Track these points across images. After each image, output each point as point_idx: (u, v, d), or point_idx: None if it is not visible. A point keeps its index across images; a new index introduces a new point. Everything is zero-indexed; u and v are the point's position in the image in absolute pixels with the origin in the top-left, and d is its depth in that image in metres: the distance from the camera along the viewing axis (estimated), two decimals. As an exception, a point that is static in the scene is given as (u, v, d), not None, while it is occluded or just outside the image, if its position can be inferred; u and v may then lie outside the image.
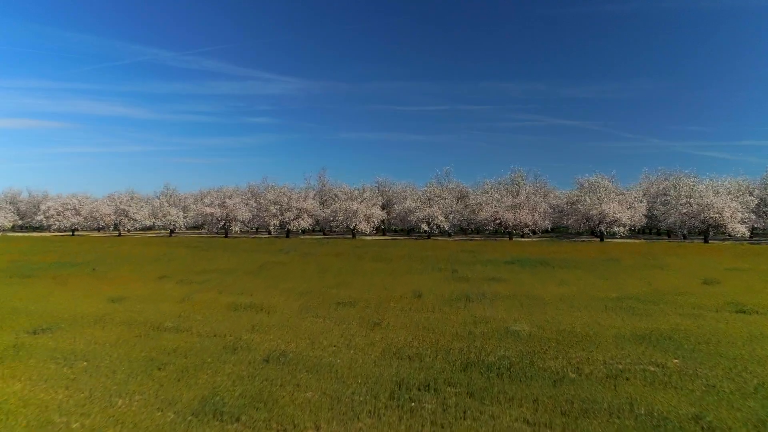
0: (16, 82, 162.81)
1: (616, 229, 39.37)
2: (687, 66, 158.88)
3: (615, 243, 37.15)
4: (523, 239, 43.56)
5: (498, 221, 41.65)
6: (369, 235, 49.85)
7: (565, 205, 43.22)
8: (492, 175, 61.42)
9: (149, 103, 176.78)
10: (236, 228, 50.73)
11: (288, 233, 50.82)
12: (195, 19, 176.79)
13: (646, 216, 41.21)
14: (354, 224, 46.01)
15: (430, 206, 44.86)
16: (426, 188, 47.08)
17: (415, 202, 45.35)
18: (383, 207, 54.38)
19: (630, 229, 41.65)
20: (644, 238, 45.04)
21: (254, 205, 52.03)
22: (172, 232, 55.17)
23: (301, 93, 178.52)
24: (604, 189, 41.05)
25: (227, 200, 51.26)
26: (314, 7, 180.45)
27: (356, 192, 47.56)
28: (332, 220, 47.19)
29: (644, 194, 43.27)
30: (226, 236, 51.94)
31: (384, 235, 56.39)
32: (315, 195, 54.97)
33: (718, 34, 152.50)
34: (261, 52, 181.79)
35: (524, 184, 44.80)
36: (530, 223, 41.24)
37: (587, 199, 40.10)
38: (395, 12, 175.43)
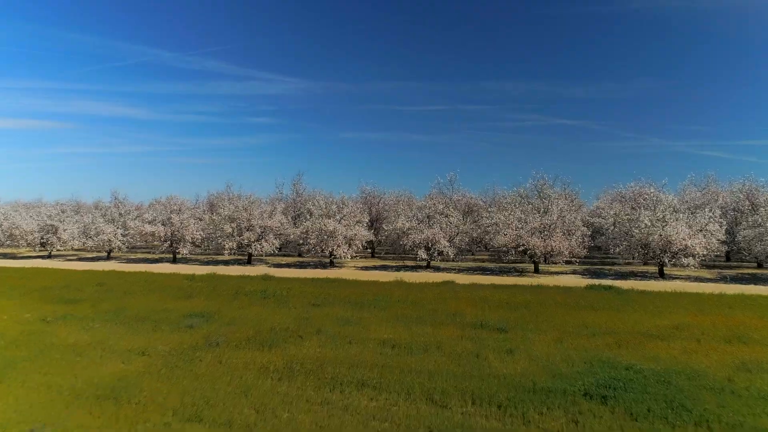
0: (16, 83, 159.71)
1: (684, 260, 28.44)
2: (687, 65, 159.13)
3: (696, 288, 26.26)
4: (554, 272, 32.69)
5: (522, 248, 30.76)
6: (351, 260, 38.99)
7: (611, 227, 32.18)
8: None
9: (150, 104, 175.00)
10: (185, 251, 39.96)
11: (250, 258, 40.02)
12: (196, 20, 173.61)
13: (725, 242, 30.39)
14: (331, 248, 35.24)
15: (431, 226, 34.05)
16: (425, 201, 36.03)
17: (411, 220, 34.47)
18: (371, 223, 43.55)
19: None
20: (719, 271, 33.99)
21: (209, 221, 41.29)
22: (109, 253, 44.48)
23: (302, 93, 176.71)
24: (664, 205, 30.10)
25: (173, 216, 40.50)
26: (315, 7, 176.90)
27: (334, 206, 36.66)
28: (302, 244, 36.39)
29: (722, 214, 32.19)
30: (174, 260, 41.21)
31: (372, 256, 45.54)
32: (286, 208, 44.18)
33: (719, 33, 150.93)
34: (262, 53, 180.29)
35: (555, 197, 33.72)
36: (565, 252, 30.34)
37: (645, 219, 29.15)
38: (395, 12, 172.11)
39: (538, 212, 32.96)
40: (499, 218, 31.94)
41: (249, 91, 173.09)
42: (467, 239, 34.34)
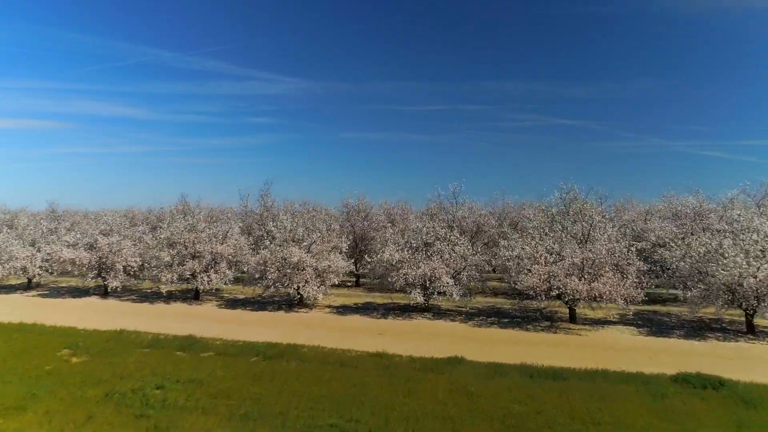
0: (17, 83, 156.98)
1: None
2: (687, 65, 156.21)
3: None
4: (596, 319, 23.91)
5: (557, 292, 21.94)
6: (328, 296, 30.19)
7: (677, 260, 23.26)
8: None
9: (150, 104, 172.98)
10: (115, 283, 31.14)
11: (197, 293, 31.20)
12: (196, 20, 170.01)
13: None
14: (296, 285, 26.46)
15: (429, 257, 25.26)
16: (421, 224, 26.94)
17: (403, 249, 25.60)
18: (355, 245, 34.79)
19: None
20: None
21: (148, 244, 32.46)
22: (30, 281, 35.67)
23: (302, 93, 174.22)
24: (761, 234, 21.32)
25: (100, 237, 31.65)
26: (315, 8, 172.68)
27: (301, 229, 27.85)
28: (259, 277, 27.57)
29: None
30: (106, 293, 32.44)
31: (357, 285, 36.72)
32: (249, 227, 35.41)
33: (719, 33, 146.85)
34: (262, 53, 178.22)
35: (598, 219, 24.59)
36: (620, 299, 21.53)
37: (736, 256, 20.35)
38: (395, 12, 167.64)
39: (575, 239, 24.16)
40: (523, 250, 23.09)
41: (249, 91, 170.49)
42: (477, 273, 25.51)
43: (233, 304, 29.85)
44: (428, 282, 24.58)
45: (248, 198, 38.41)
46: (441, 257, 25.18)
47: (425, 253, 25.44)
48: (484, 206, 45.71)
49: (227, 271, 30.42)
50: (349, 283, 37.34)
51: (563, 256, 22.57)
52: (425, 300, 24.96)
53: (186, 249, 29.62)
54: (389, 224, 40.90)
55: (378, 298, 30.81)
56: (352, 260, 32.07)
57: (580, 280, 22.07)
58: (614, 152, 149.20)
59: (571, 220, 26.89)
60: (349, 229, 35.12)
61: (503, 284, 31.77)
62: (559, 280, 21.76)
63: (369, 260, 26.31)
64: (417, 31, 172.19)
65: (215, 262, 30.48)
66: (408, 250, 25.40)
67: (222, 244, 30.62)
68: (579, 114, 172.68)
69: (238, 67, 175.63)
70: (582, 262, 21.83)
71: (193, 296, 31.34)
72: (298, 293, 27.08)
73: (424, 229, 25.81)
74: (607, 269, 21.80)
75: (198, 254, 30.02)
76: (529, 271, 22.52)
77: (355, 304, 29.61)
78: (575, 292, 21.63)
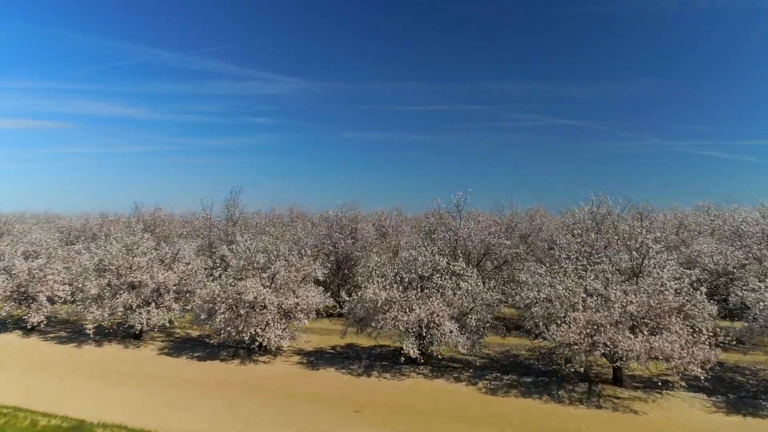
0: (17, 83, 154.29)
1: None
2: (687, 65, 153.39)
3: None
4: (649, 380, 17.70)
5: (603, 351, 15.73)
6: (298, 336, 23.99)
7: (761, 306, 16.97)
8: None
9: (150, 104, 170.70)
10: (37, 318, 24.96)
11: (140, 331, 24.95)
12: (196, 20, 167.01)
13: None
14: (253, 330, 20.28)
15: (426, 297, 19.05)
16: (417, 252, 20.34)
17: (391, 287, 19.29)
18: (337, 268, 28.69)
19: None
20: None
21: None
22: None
23: (302, 93, 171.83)
24: None
25: (18, 261, 25.43)
26: (315, 8, 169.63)
27: (260, 256, 21.60)
28: (206, 319, 21.35)
29: None
30: (30, 329, 26.22)
31: (339, 315, 30.45)
32: (208, 246, 29.24)
33: (719, 33, 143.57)
34: (262, 53, 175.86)
35: (653, 248, 17.91)
36: (696, 367, 15.29)
37: None
38: (395, 12, 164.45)
39: (620, 273, 17.97)
40: (553, 289, 16.87)
41: (249, 91, 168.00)
42: (488, 314, 19.27)
43: (180, 347, 23.68)
44: (425, 329, 18.41)
45: (212, 209, 32.14)
46: (442, 295, 19.00)
47: (420, 290, 19.26)
48: (490, 211, 39.65)
49: (174, 305, 24.27)
50: (329, 311, 31.10)
51: (610, 300, 16.39)
52: (420, 353, 18.76)
53: (119, 278, 23.44)
54: (380, 238, 34.77)
55: (363, 338, 24.56)
56: (335, 283, 26.01)
57: (634, 334, 15.93)
58: (614, 152, 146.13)
59: (603, 242, 20.72)
60: (330, 248, 28.96)
61: (515, 310, 25.60)
62: (610, 337, 15.58)
63: (347, 299, 20.06)
64: (417, 31, 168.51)
65: (159, 294, 24.32)
66: (398, 286, 19.19)
67: (166, 271, 24.45)
68: (579, 114, 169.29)
69: (238, 67, 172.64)
70: (640, 310, 15.64)
71: (136, 334, 25.12)
72: (255, 341, 20.86)
73: (420, 258, 19.57)
74: (674, 319, 15.61)
75: (138, 284, 23.85)
76: (564, 320, 16.35)
77: (333, 348, 23.44)
78: (629, 352, 15.46)
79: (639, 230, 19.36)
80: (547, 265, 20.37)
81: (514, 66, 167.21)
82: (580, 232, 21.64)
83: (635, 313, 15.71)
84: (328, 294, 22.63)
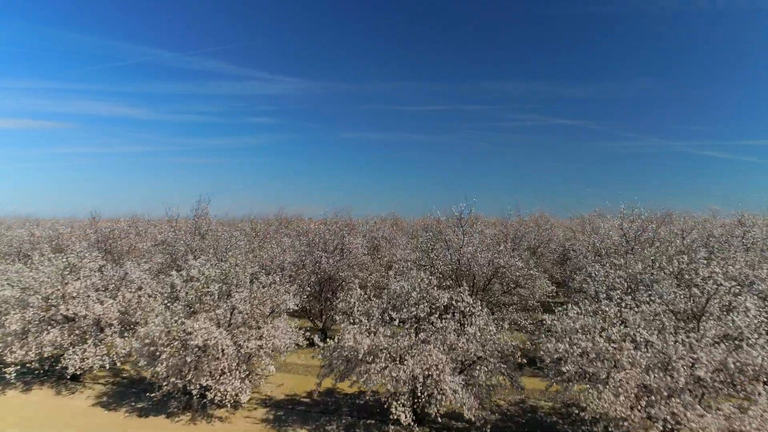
0: (17, 83, 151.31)
1: None
2: (687, 65, 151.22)
3: None
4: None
5: (664, 427, 11.50)
6: (264, 381, 19.71)
7: None
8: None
9: (150, 104, 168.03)
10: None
11: (75, 375, 20.62)
12: (196, 20, 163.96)
13: None
14: (205, 380, 16.03)
15: (423, 343, 14.82)
16: (410, 285, 15.99)
17: (377, 330, 15.02)
18: (320, 290, 24.51)
19: None
20: None
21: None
22: None
23: (302, 93, 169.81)
24: None
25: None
26: (315, 8, 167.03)
27: (215, 286, 17.30)
28: (147, 365, 17.06)
29: None
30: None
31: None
32: (168, 266, 24.98)
33: (719, 33, 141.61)
34: (262, 53, 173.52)
35: (724, 285, 13.62)
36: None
37: None
38: (395, 12, 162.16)
39: (674, 315, 13.78)
40: (594, 345, 12.60)
41: (249, 91, 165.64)
42: (504, 364, 15.05)
43: (123, 394, 19.40)
44: (420, 386, 14.15)
45: (177, 218, 27.73)
46: (442, 341, 14.74)
47: (415, 334, 14.99)
48: (493, 216, 35.68)
49: (119, 340, 19.98)
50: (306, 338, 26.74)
51: (667, 355, 12.18)
52: (414, 416, 14.51)
53: (46, 311, 19.16)
54: (371, 252, 30.62)
55: (346, 387, 20.23)
56: (317, 308, 21.82)
57: (701, 404, 11.71)
58: (614, 152, 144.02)
59: (648, 274, 16.53)
60: (312, 266, 24.73)
61: (522, 334, 21.26)
62: (669, 408, 11.36)
63: (321, 346, 15.76)
64: (417, 31, 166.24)
65: (99, 329, 20.04)
66: (386, 328, 14.92)
67: (111, 299, 20.18)
68: (579, 114, 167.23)
69: (238, 67, 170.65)
70: (713, 376, 11.42)
71: (73, 375, 20.80)
72: (205, 394, 16.54)
73: (414, 294, 15.29)
74: (761, 388, 11.42)
75: (72, 317, 19.58)
76: (606, 382, 12.12)
77: (308, 395, 19.17)
78: (700, 430, 11.24)
79: (695, 257, 15.12)
80: (565, 289, 16.18)
81: (514, 66, 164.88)
82: (614, 259, 17.41)
83: (707, 379, 11.47)
84: (305, 329, 18.34)
